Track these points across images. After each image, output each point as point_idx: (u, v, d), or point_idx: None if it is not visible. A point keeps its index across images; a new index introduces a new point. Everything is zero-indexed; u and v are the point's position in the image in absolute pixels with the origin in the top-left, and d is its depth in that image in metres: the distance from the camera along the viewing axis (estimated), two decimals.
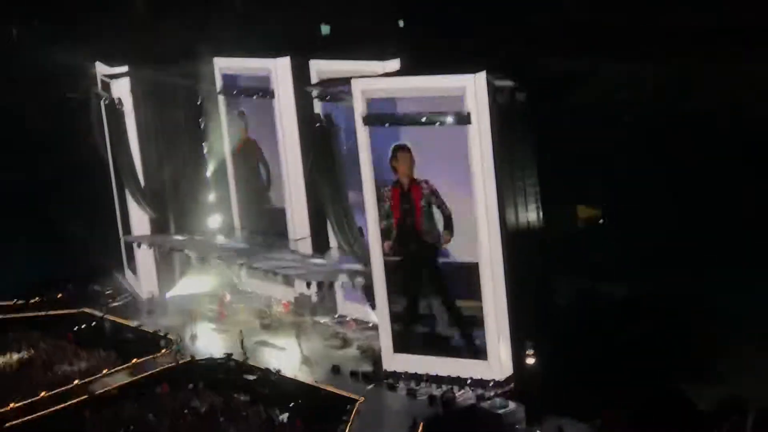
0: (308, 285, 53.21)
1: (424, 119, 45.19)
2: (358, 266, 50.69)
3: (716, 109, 46.03)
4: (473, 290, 45.59)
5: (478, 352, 46.03)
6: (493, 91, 44.43)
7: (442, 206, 45.52)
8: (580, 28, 48.50)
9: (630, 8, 49.42)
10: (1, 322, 58.74)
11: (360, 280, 50.49)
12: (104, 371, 50.90)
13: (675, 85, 46.36)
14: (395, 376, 47.58)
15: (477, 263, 45.13)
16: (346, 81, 47.94)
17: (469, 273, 45.56)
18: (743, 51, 48.33)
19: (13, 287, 61.34)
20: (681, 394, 38.29)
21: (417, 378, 47.04)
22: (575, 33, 48.36)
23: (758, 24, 48.63)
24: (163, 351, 52.83)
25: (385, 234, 46.84)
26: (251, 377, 49.78)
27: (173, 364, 51.74)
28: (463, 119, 44.40)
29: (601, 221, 48.04)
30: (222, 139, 59.40)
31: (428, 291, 46.76)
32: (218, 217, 61.25)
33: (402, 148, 46.10)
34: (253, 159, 58.23)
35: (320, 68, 52.85)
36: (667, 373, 38.15)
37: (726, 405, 38.65)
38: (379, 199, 46.56)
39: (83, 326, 58.07)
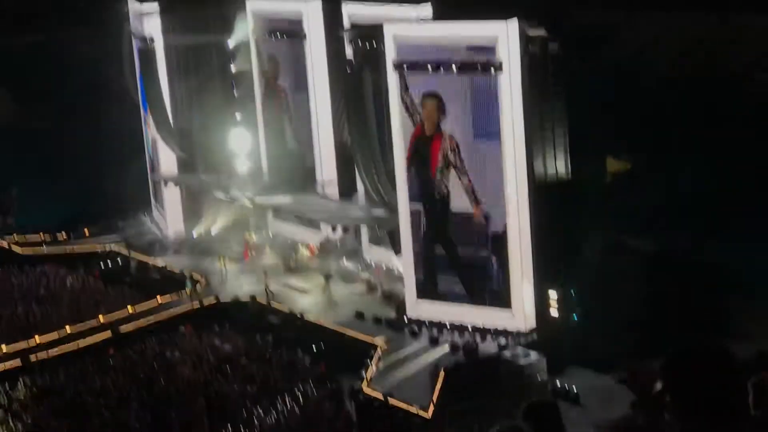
0: (334, 229, 53.38)
1: (454, 66, 44.94)
2: (384, 211, 50.68)
3: (757, 63, 45.43)
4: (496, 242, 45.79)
5: (501, 301, 46.04)
6: (525, 40, 44.14)
7: (459, 171, 45.35)
8: None
9: None
10: (29, 257, 59.12)
11: (385, 225, 50.57)
12: (129, 309, 51.22)
13: (714, 38, 45.81)
14: (418, 323, 47.67)
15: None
16: (378, 26, 47.75)
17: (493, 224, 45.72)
18: None
19: (42, 223, 61.80)
20: (709, 348, 37.97)
21: (440, 326, 47.10)
22: None
23: None
24: (188, 290, 53.07)
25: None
26: (275, 320, 50.01)
27: (197, 304, 52.02)
28: (495, 66, 44.10)
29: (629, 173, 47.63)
30: (252, 81, 59.19)
31: (445, 239, 46.87)
32: (246, 160, 61.10)
33: (430, 96, 45.76)
34: (283, 103, 57.99)
35: (352, 12, 52.41)
36: (695, 328, 37.80)
37: (755, 359, 38.47)
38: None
39: (110, 263, 58.47)
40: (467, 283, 46.74)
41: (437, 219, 46.96)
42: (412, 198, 47.25)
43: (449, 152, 45.44)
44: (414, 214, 47.35)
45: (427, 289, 47.82)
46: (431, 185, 46.48)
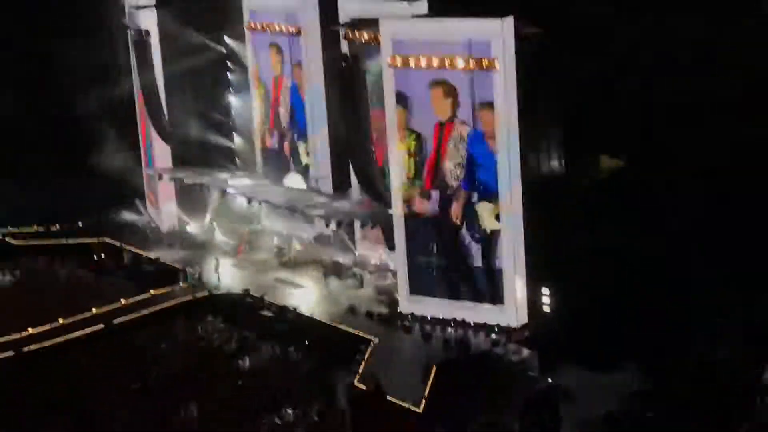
0: (327, 223, 53.26)
1: (449, 63, 44.76)
2: (377, 206, 50.58)
3: (752, 61, 45.20)
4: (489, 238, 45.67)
5: (494, 298, 45.90)
6: (520, 38, 43.98)
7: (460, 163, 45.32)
8: None
9: None
10: (23, 248, 58.95)
11: (378, 220, 50.49)
12: (122, 301, 51.08)
13: (706, 36, 45.62)
14: (411, 318, 47.54)
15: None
16: (374, 23, 47.55)
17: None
18: None
19: (36, 215, 61.66)
20: (700, 351, 38.21)
21: (432, 321, 46.99)
22: None
23: None
24: (181, 284, 52.95)
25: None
26: (267, 313, 49.90)
27: (190, 297, 51.91)
28: (489, 64, 43.93)
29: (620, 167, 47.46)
30: (247, 75, 59.15)
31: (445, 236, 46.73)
32: (241, 154, 61.13)
33: (435, 84, 45.37)
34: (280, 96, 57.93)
35: (349, 8, 52.20)
36: (685, 329, 37.73)
37: (748, 361, 38.56)
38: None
39: (103, 255, 58.23)
40: (460, 278, 46.63)
41: (437, 213, 46.77)
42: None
43: (459, 142, 45.11)
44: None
45: (420, 285, 47.73)
46: (439, 176, 46.37)
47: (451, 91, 44.92)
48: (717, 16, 45.47)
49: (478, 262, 46.07)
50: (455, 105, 44.77)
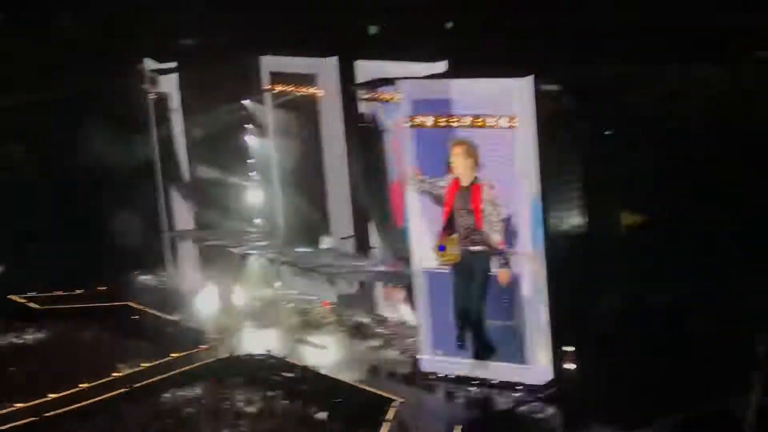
0: (350, 284, 53.44)
1: (469, 122, 44.87)
2: (399, 268, 50.69)
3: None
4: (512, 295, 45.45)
5: (517, 357, 45.79)
6: (540, 96, 44.16)
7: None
8: (629, 31, 47.97)
9: (679, 12, 48.90)
10: (44, 314, 59.17)
11: (400, 282, 50.63)
12: (144, 364, 51.09)
13: (731, 90, 45.67)
14: (433, 378, 47.39)
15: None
16: (392, 81, 47.88)
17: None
18: None
19: (57, 279, 61.67)
20: (727, 406, 37.83)
21: (456, 380, 46.80)
22: (625, 37, 47.84)
23: None
24: (203, 346, 53.00)
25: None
26: (290, 374, 49.87)
27: (212, 359, 51.92)
28: (510, 123, 44.09)
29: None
30: (266, 136, 59.59)
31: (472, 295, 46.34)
32: (262, 216, 61.43)
33: (458, 143, 44.67)
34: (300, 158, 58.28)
35: (366, 68, 52.58)
36: (714, 384, 37.48)
37: None
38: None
39: (124, 319, 58.35)
40: (483, 337, 46.46)
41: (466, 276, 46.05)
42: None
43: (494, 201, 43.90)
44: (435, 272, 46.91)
45: (442, 344, 47.64)
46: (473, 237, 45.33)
47: (471, 151, 44.59)
48: (751, 66, 45.61)
49: (501, 320, 45.99)
50: (477, 164, 44.51)
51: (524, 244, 44.50)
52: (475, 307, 41.43)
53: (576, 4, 49.82)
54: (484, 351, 42.59)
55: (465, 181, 41.04)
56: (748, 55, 46.82)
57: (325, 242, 56.74)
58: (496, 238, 41.48)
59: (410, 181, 44.03)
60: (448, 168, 44.07)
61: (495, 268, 42.39)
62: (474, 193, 40.91)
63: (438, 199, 42.25)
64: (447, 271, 44.95)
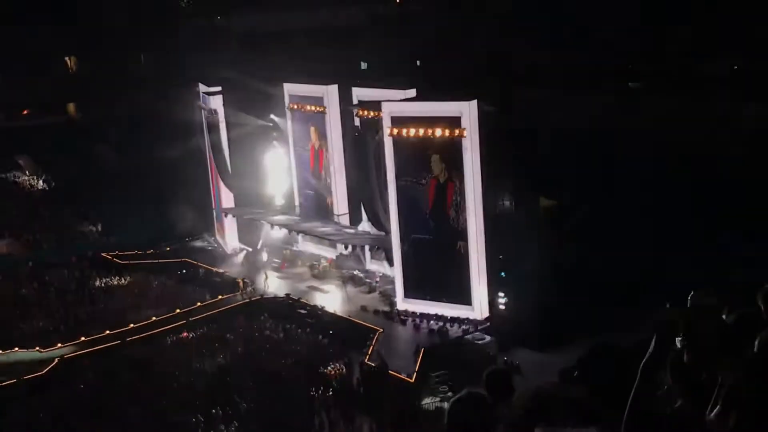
0: (345, 247, 53.47)
1: (432, 132, 45.00)
2: (381, 235, 50.76)
3: (698, 139, 43.46)
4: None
5: (465, 299, 46.12)
6: (482, 114, 44.36)
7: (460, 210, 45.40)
8: (555, 65, 48.39)
9: (598, 49, 48.71)
10: (126, 266, 59.21)
11: (382, 244, 50.68)
12: (198, 303, 51.29)
13: (619, 110, 45.51)
14: (405, 314, 47.72)
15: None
16: (377, 103, 48.01)
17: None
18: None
19: (135, 241, 61.92)
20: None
21: (421, 316, 47.12)
22: (552, 69, 48.30)
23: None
24: (240, 291, 53.15)
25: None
26: (303, 311, 49.99)
27: (247, 300, 52.08)
28: (460, 134, 44.32)
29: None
30: (288, 142, 59.41)
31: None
32: (284, 197, 61.27)
33: (434, 151, 45.34)
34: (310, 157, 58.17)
35: (359, 93, 52.74)
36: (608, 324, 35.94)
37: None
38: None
39: (185, 271, 58.59)
40: (441, 286, 46.79)
41: (430, 243, 46.77)
42: (416, 230, 46.93)
43: (458, 195, 45.11)
44: (414, 240, 47.31)
45: (412, 290, 47.96)
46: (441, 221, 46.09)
47: (444, 158, 44.93)
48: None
49: (454, 274, 46.41)
50: (450, 167, 44.81)
51: (467, 219, 45.04)
52: None
53: (512, 48, 50.07)
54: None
55: (441, 181, 42.27)
56: (621, 86, 47.50)
57: (329, 217, 57.02)
58: (461, 219, 42.53)
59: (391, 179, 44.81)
60: (429, 169, 44.91)
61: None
62: (448, 190, 41.80)
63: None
64: (418, 238, 45.40)
